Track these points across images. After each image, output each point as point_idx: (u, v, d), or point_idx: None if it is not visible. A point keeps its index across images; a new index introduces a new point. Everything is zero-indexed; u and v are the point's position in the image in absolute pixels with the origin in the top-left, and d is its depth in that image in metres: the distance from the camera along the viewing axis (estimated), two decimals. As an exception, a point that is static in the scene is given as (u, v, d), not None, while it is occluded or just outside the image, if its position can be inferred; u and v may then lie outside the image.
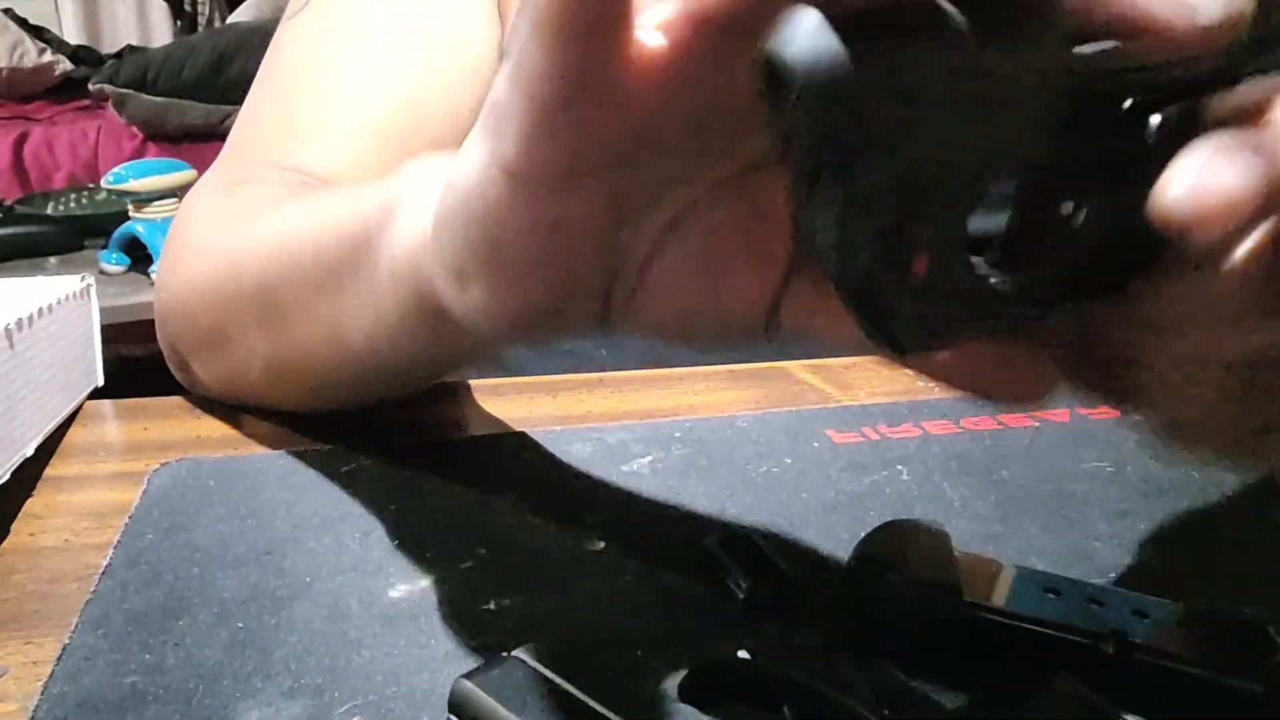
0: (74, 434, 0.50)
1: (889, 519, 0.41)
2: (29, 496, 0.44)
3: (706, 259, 0.28)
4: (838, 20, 0.20)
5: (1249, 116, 0.22)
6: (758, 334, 0.29)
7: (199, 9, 3.40)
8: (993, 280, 0.24)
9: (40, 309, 0.45)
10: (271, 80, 0.59)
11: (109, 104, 2.60)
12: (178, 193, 1.82)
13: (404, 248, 0.33)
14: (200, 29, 3.32)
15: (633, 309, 0.29)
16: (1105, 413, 0.51)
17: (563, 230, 0.26)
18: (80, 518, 0.42)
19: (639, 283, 0.29)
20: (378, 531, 0.40)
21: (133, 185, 1.77)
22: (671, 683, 0.31)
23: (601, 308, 0.29)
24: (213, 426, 0.51)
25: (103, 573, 0.37)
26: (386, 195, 0.35)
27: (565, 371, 0.56)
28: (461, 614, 0.35)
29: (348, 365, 0.43)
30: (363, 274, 0.37)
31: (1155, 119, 0.22)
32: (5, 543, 0.40)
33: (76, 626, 0.34)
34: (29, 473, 0.45)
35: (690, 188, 0.27)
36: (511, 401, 0.54)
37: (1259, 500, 0.43)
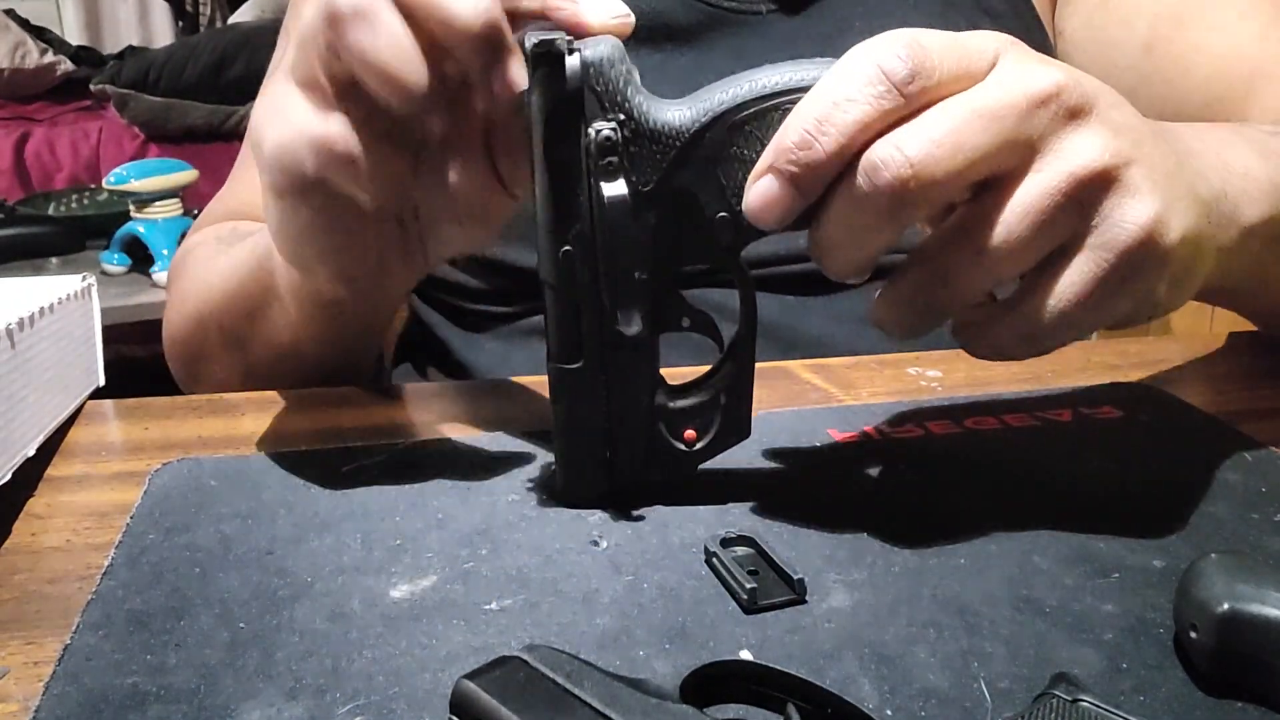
0: (75, 434, 0.50)
1: (891, 517, 0.41)
2: (30, 496, 0.44)
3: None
4: None
5: None
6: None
7: (200, 9, 3.40)
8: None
9: (41, 309, 0.45)
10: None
11: (110, 104, 2.60)
12: (179, 193, 1.82)
13: (281, 267, 0.50)
14: (202, 29, 3.32)
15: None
16: (1108, 412, 0.51)
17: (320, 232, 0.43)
18: (82, 517, 0.42)
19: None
20: (379, 532, 0.40)
21: (134, 186, 1.77)
22: (672, 683, 0.31)
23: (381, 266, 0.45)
24: (214, 426, 0.51)
25: (104, 573, 0.37)
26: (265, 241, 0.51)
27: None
28: (462, 614, 0.35)
29: (289, 359, 0.56)
30: (271, 293, 0.53)
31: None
32: (7, 543, 0.40)
33: (78, 627, 0.34)
34: (30, 473, 0.45)
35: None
36: (512, 400, 0.54)
37: (1261, 503, 0.43)
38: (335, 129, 0.39)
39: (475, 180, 0.42)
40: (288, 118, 0.39)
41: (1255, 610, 0.31)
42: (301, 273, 0.49)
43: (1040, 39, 0.71)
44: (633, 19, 0.38)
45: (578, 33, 0.37)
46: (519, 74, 0.37)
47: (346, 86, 0.39)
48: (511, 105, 0.38)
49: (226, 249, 0.62)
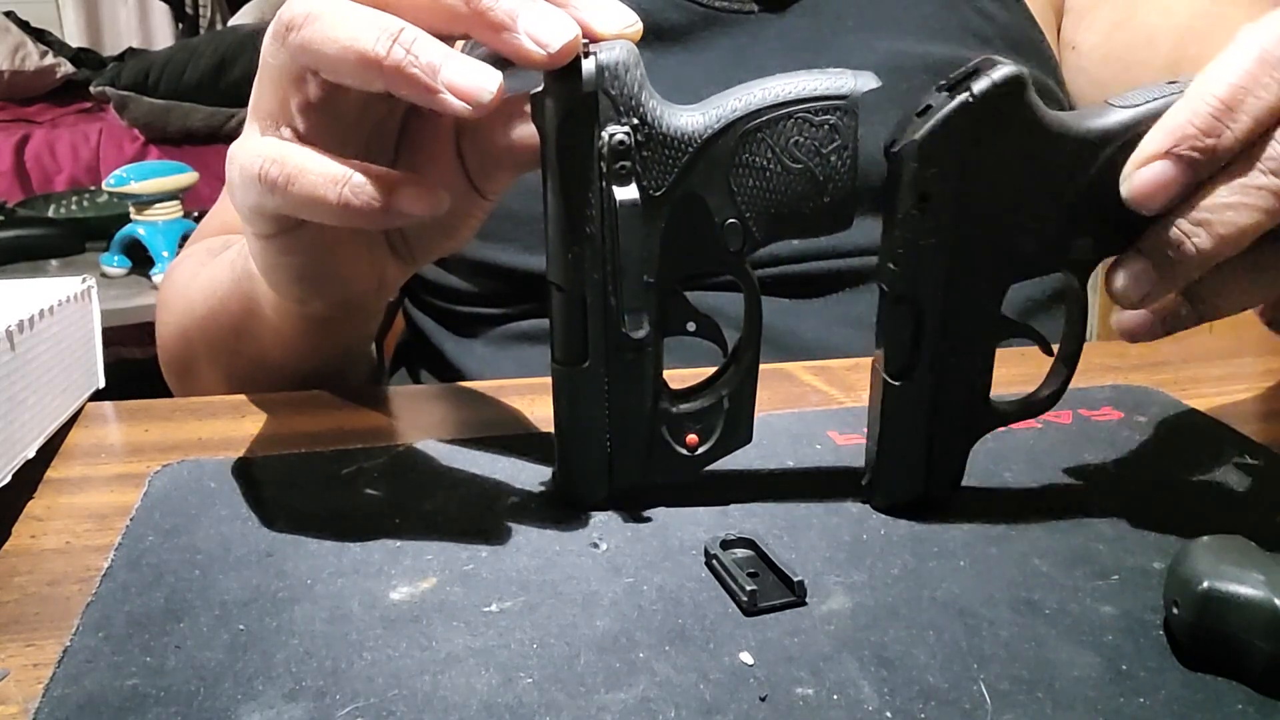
0: (75, 436, 0.50)
1: (890, 520, 0.41)
2: (30, 498, 0.44)
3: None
4: None
5: None
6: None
7: (200, 11, 3.41)
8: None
9: (41, 311, 0.45)
10: None
11: (110, 106, 2.60)
12: (179, 195, 1.82)
13: (263, 286, 0.49)
14: (202, 31, 3.32)
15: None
16: (1107, 414, 0.51)
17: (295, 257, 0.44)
18: (81, 519, 0.42)
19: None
20: (378, 533, 0.40)
21: (134, 188, 1.77)
22: (670, 684, 0.31)
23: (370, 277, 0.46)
24: (214, 428, 0.51)
25: (104, 575, 0.37)
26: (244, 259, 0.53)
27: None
28: (462, 616, 0.35)
29: (276, 372, 0.57)
30: (253, 311, 0.53)
31: None
32: (6, 545, 0.40)
33: (77, 629, 0.34)
34: (30, 475, 0.45)
35: None
36: (513, 403, 0.54)
37: (1261, 504, 0.43)
38: (270, 155, 0.38)
39: (449, 184, 0.42)
40: (240, 160, 0.40)
41: (1233, 589, 0.31)
42: (298, 305, 0.49)
43: (1036, 37, 0.72)
44: (641, 26, 0.38)
45: (590, 38, 0.37)
46: (466, 78, 0.35)
47: (314, 104, 0.39)
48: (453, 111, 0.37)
49: (211, 262, 0.62)
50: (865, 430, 0.43)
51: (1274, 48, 0.34)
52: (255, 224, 0.42)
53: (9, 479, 0.42)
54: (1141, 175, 0.35)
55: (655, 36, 0.67)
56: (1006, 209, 0.37)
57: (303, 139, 0.39)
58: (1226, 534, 0.34)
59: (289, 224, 0.42)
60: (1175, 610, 0.33)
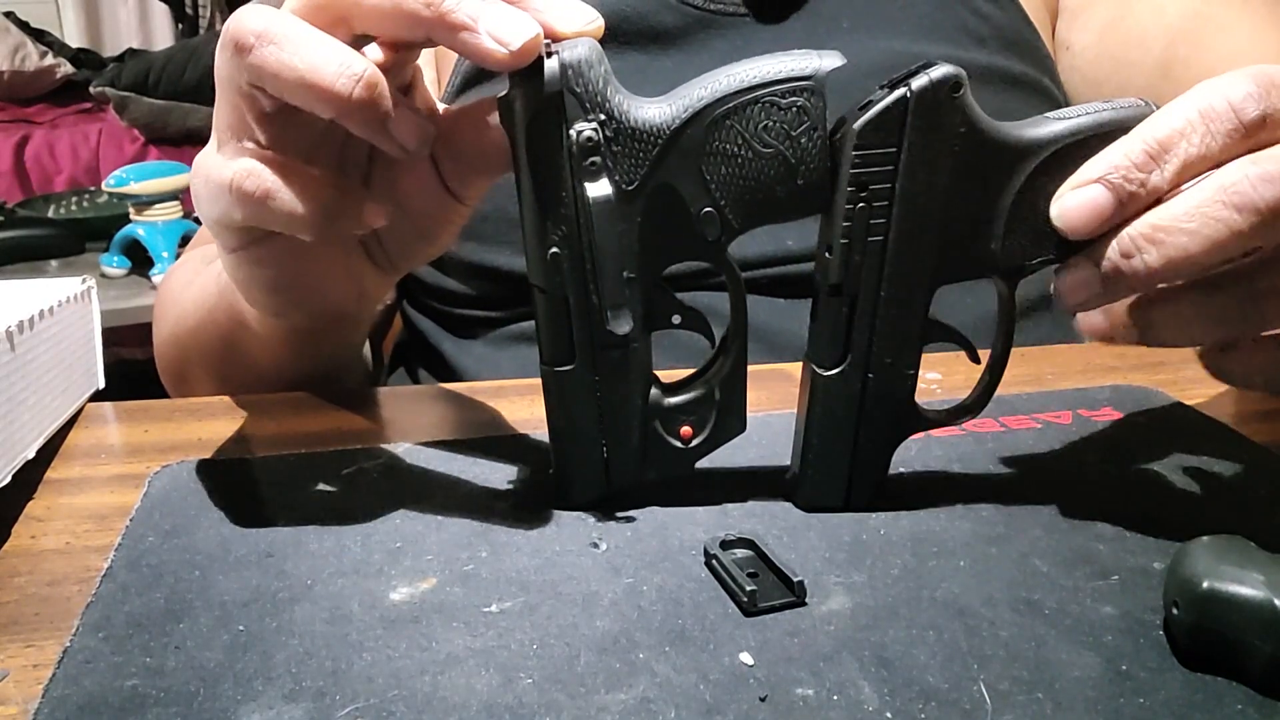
0: (75, 436, 0.50)
1: (890, 520, 0.41)
2: (30, 499, 0.44)
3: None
4: None
5: None
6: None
7: (200, 11, 3.40)
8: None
9: (41, 311, 0.45)
10: None
11: (110, 107, 2.60)
12: (179, 195, 1.82)
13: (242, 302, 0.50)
14: (202, 31, 3.32)
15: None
16: (1107, 414, 0.51)
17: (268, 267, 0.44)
18: (81, 520, 0.42)
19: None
20: (378, 534, 0.40)
21: (134, 188, 1.77)
22: (670, 684, 0.31)
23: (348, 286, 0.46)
24: (213, 429, 0.51)
25: (103, 575, 0.37)
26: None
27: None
28: (462, 616, 0.35)
29: (270, 380, 0.57)
30: (240, 323, 0.54)
31: None
32: (6, 545, 0.40)
33: (77, 629, 0.34)
34: (30, 475, 0.45)
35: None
36: (513, 403, 0.54)
37: (1261, 505, 0.43)
38: (243, 168, 0.38)
39: (425, 191, 0.42)
40: (208, 172, 0.39)
41: (1233, 589, 0.31)
42: (277, 317, 0.49)
43: (1031, 36, 0.72)
44: (602, 23, 0.38)
45: (552, 38, 0.37)
46: (405, 130, 0.37)
47: (270, 116, 0.39)
48: (417, 140, 0.38)
49: (203, 271, 0.62)
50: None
51: (1218, 103, 0.35)
52: (221, 236, 0.42)
53: (9, 479, 0.42)
54: (1073, 196, 0.36)
55: (650, 40, 0.67)
56: (939, 207, 0.38)
57: (267, 149, 0.39)
58: (1226, 534, 0.34)
59: (254, 236, 0.42)
60: (1175, 610, 0.33)
